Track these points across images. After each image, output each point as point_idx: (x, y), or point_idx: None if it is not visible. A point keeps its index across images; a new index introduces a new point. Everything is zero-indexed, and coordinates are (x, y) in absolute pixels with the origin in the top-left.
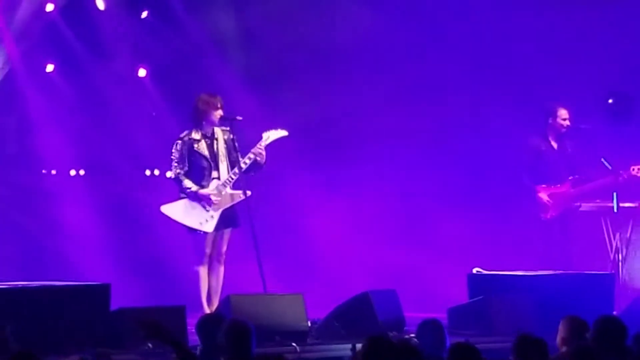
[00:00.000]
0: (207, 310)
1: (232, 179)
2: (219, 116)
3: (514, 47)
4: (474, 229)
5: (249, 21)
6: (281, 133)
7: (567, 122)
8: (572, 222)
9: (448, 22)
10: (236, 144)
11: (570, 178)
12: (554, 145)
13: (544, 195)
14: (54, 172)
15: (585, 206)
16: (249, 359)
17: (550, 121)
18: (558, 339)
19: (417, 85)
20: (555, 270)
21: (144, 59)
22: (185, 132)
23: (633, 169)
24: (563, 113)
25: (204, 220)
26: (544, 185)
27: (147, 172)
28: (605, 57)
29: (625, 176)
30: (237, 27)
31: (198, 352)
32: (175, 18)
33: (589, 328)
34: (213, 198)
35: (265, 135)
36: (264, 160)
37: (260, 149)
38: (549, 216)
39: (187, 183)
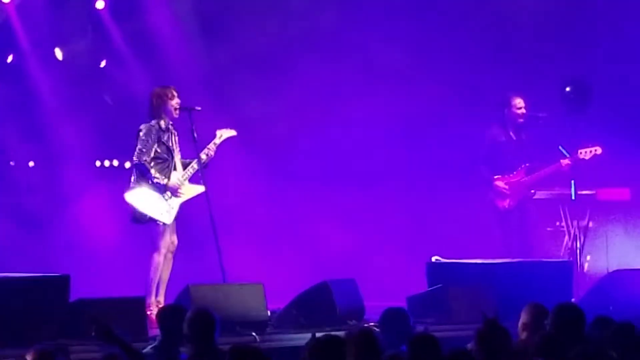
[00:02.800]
0: (154, 299)
1: (190, 172)
2: (177, 105)
3: (470, 36)
4: (433, 218)
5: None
6: (231, 133)
7: (523, 111)
8: (528, 210)
9: (402, 7)
10: (195, 135)
11: (523, 166)
12: (512, 135)
13: (501, 184)
14: (12, 163)
15: (543, 194)
16: (213, 348)
17: (505, 111)
18: (520, 325)
19: (379, 75)
20: (513, 258)
21: (104, 48)
22: (155, 121)
23: (580, 152)
24: (518, 102)
25: (164, 211)
26: (499, 175)
27: (107, 163)
28: (562, 45)
29: (573, 160)
30: (198, 17)
31: (157, 342)
32: (136, 8)
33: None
34: (179, 189)
35: (218, 133)
36: (207, 161)
37: (210, 149)
38: (507, 205)
39: (155, 173)
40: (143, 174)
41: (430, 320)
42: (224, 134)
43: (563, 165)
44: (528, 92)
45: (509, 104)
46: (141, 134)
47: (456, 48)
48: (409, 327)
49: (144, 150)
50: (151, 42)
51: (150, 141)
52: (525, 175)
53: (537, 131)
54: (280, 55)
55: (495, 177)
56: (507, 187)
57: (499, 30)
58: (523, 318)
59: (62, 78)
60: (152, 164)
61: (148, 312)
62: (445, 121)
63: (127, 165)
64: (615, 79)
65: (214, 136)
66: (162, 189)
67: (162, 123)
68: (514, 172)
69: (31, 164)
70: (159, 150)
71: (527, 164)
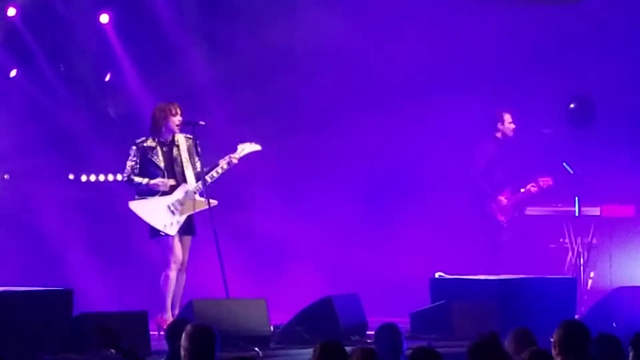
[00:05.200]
0: (171, 314)
1: (201, 187)
2: (177, 122)
3: (474, 51)
4: (436, 234)
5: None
6: (255, 147)
7: (513, 125)
8: (519, 227)
9: (406, 24)
10: (199, 149)
11: (509, 185)
12: (503, 150)
13: (503, 200)
14: (6, 176)
15: (547, 211)
16: None
17: (499, 126)
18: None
19: (383, 88)
20: (512, 274)
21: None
22: (142, 139)
23: (540, 180)
24: (508, 117)
25: (168, 224)
26: (495, 191)
27: (110, 177)
28: (566, 61)
29: (537, 188)
30: (205, 32)
31: (165, 357)
32: (140, 22)
33: (535, 340)
34: (177, 204)
35: (240, 147)
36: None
37: (234, 159)
38: (504, 220)
39: (137, 179)
40: (134, 188)
41: (433, 336)
42: (245, 148)
43: (532, 191)
44: (532, 109)
45: (502, 119)
46: (130, 152)
47: (459, 63)
48: (400, 343)
49: (127, 168)
50: (156, 56)
51: (135, 159)
52: (510, 194)
53: (541, 147)
54: (284, 68)
55: (497, 191)
56: (507, 202)
57: (502, 45)
58: (507, 345)
59: (67, 91)
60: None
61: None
62: (450, 137)
63: (119, 177)
64: (619, 96)
65: (235, 149)
66: (148, 190)
67: (150, 141)
68: (505, 189)
69: (35, 178)
70: (147, 166)
71: (512, 183)
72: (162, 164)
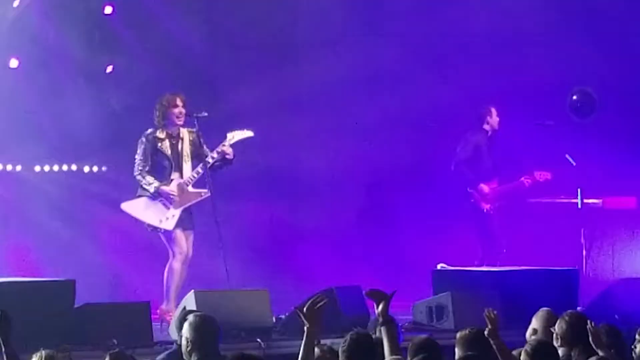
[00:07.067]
0: (173, 305)
1: (194, 177)
2: (178, 114)
3: (476, 42)
4: (439, 225)
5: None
6: (247, 134)
7: (498, 119)
8: (502, 217)
9: (407, 16)
10: (202, 140)
11: (497, 176)
12: (489, 143)
13: (485, 188)
14: (19, 167)
15: (549, 202)
16: (218, 354)
17: (489, 120)
18: (529, 330)
19: (383, 80)
20: (514, 265)
21: (111, 54)
22: (150, 130)
23: (536, 174)
24: (494, 111)
25: (164, 218)
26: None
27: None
28: (568, 52)
29: (530, 181)
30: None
31: (173, 348)
32: (143, 14)
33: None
34: (173, 195)
35: (229, 135)
36: (232, 157)
37: (225, 147)
38: (488, 208)
39: (149, 179)
40: (139, 184)
41: (436, 327)
42: (235, 135)
43: (525, 183)
44: (535, 100)
45: (490, 114)
46: (138, 146)
47: (460, 55)
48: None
49: (138, 161)
50: (159, 47)
51: (144, 152)
52: (498, 185)
53: (544, 139)
54: (285, 58)
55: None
56: (489, 192)
57: (505, 36)
58: (533, 324)
59: (70, 83)
60: (151, 172)
61: (168, 318)
62: (452, 127)
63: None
64: (621, 87)
65: (224, 138)
66: (157, 194)
67: (160, 132)
68: (491, 180)
69: (37, 168)
70: (155, 158)
71: (497, 175)
72: (170, 155)
